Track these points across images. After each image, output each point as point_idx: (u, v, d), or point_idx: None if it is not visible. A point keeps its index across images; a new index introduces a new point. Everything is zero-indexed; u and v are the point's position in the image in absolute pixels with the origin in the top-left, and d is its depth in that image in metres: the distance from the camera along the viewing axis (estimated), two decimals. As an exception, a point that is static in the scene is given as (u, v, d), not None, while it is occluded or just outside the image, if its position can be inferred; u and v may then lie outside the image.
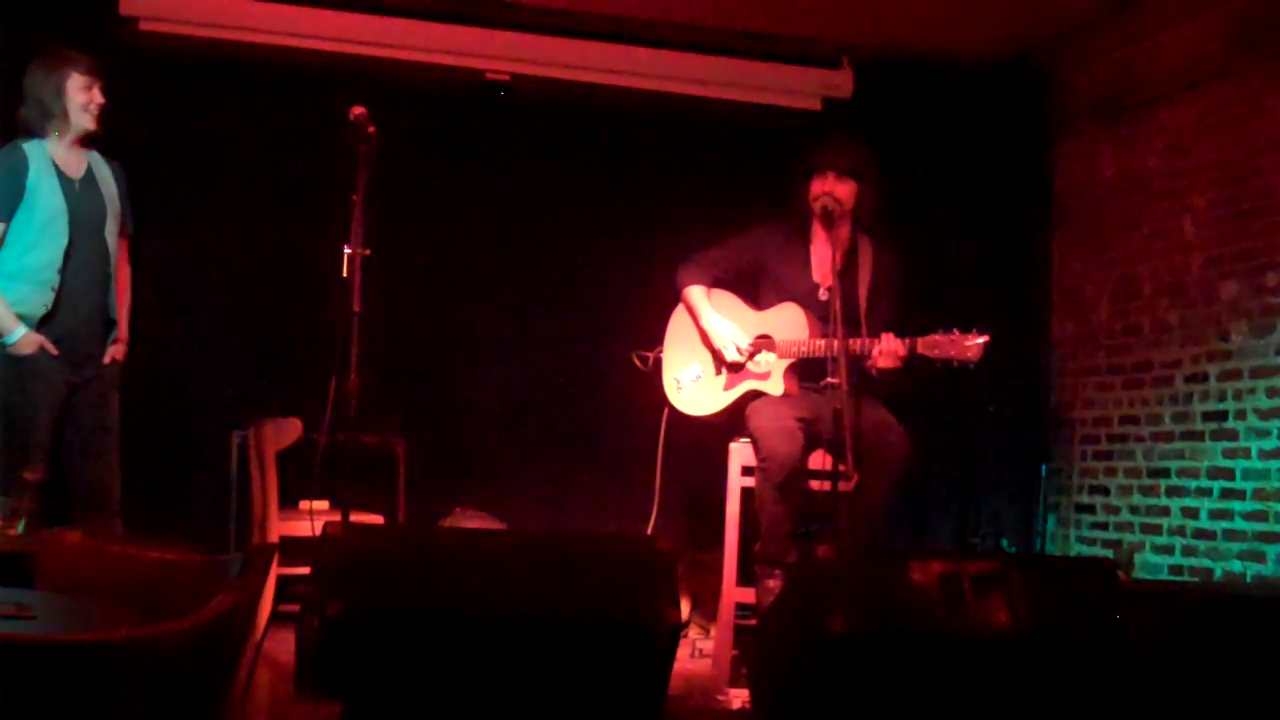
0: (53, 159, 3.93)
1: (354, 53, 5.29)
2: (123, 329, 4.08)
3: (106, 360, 4.02)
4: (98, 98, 3.96)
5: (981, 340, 3.80)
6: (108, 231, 4.02)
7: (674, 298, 4.32)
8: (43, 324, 3.86)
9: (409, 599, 2.62)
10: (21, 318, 3.83)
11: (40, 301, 3.86)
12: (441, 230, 5.48)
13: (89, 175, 4.01)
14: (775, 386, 4.08)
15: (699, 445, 4.37)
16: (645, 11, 5.61)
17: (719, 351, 4.15)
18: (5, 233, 3.85)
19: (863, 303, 4.03)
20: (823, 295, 4.08)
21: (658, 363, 4.32)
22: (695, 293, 4.23)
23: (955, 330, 3.83)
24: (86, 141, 4.02)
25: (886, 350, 3.88)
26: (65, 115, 3.92)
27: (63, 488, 3.97)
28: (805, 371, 4.09)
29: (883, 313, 4.06)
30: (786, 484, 3.86)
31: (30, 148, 3.91)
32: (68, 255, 3.88)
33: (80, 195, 3.96)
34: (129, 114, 5.12)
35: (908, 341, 3.88)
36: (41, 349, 3.83)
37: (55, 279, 3.87)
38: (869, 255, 4.16)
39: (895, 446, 3.88)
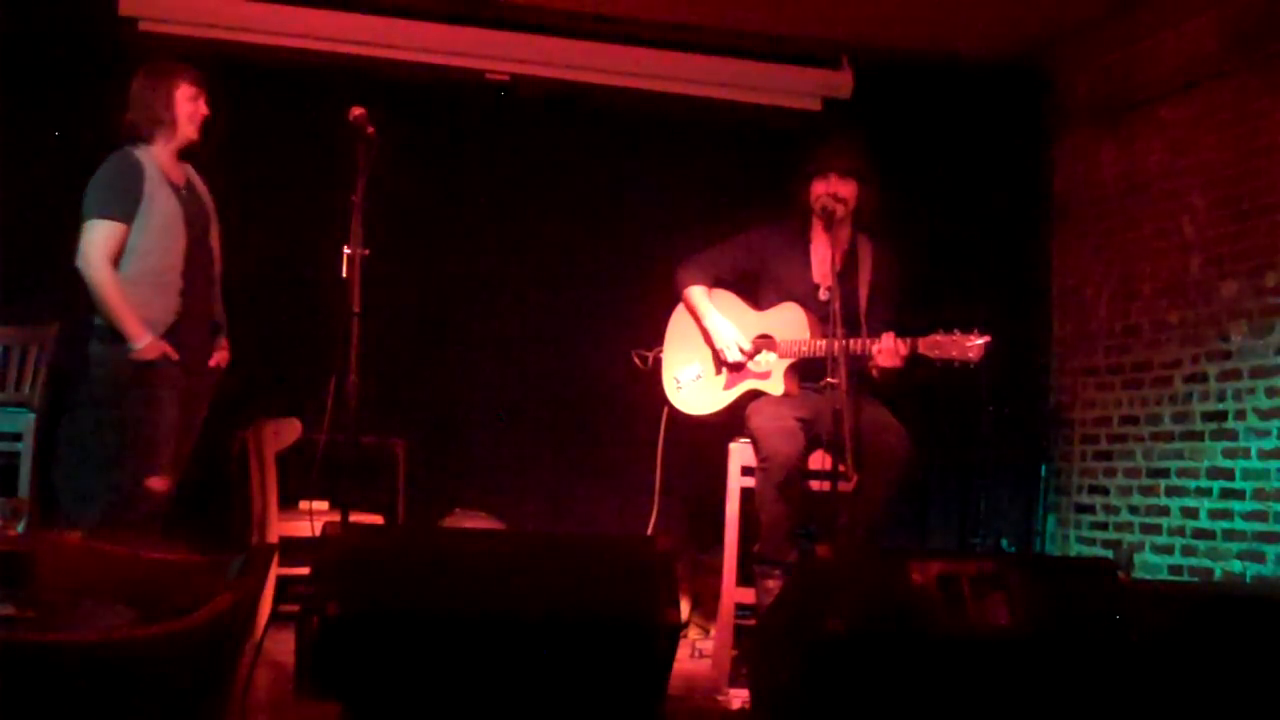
0: (160, 166, 3.93)
1: (354, 53, 5.29)
2: (223, 337, 4.09)
3: (211, 364, 4.02)
4: (203, 108, 3.98)
5: (982, 341, 3.80)
6: (213, 238, 4.04)
7: (674, 297, 4.32)
8: (169, 330, 3.84)
9: (409, 599, 2.62)
10: (148, 323, 3.79)
11: (168, 307, 3.84)
12: (441, 230, 5.48)
13: (189, 182, 4.02)
14: (775, 386, 4.08)
15: (699, 445, 4.37)
16: (645, 11, 5.61)
17: (721, 352, 4.15)
18: (127, 236, 3.81)
19: (863, 303, 4.04)
20: (823, 295, 4.08)
21: (657, 362, 4.32)
22: (696, 293, 4.23)
23: (956, 330, 3.83)
24: (184, 151, 4.02)
25: (887, 350, 3.88)
26: (173, 124, 3.93)
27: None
28: (805, 371, 4.09)
29: (882, 313, 4.06)
30: (786, 484, 3.86)
31: (140, 153, 3.90)
32: (186, 260, 3.88)
33: (188, 200, 3.96)
34: (128, 114, 5.17)
35: (909, 341, 3.88)
36: (164, 355, 3.80)
37: (180, 283, 3.86)
38: (869, 255, 4.16)
39: (895, 447, 3.88)
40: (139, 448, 3.77)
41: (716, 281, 4.25)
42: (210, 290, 4.02)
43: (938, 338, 3.84)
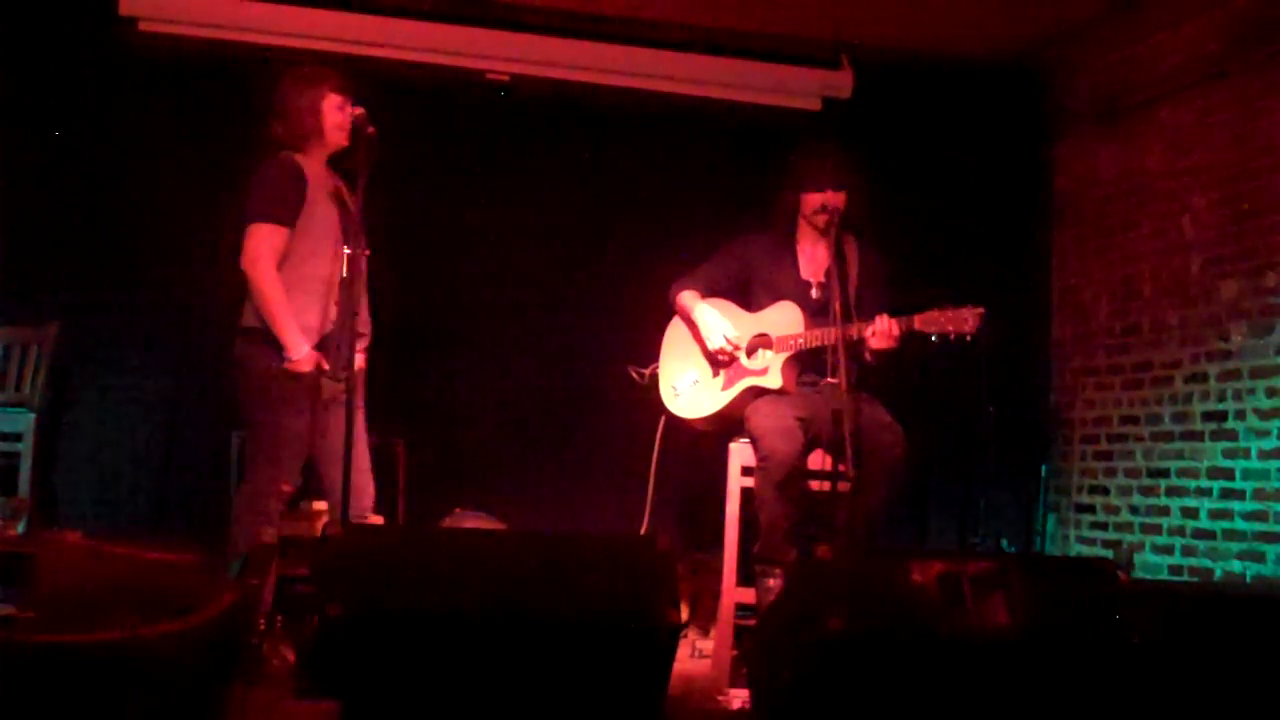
0: (315, 172, 3.91)
1: (354, 53, 5.29)
2: (367, 333, 4.03)
3: (357, 368, 3.94)
4: (350, 115, 3.91)
5: (977, 312, 3.84)
6: (362, 243, 3.98)
7: (669, 311, 4.36)
8: (323, 340, 3.80)
9: (409, 599, 2.62)
10: (303, 330, 3.76)
11: (322, 314, 3.80)
12: (441, 230, 5.48)
13: (337, 190, 3.97)
14: (774, 381, 4.10)
15: (699, 445, 4.37)
16: (645, 11, 5.61)
17: (706, 341, 4.16)
18: (288, 240, 3.79)
19: (853, 295, 4.08)
20: (814, 293, 4.16)
21: (654, 377, 4.34)
22: (688, 296, 4.29)
23: (950, 306, 3.86)
24: (331, 159, 3.99)
25: (881, 331, 3.93)
26: (321, 132, 3.89)
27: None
28: (803, 365, 4.11)
29: (873, 300, 4.10)
30: (786, 483, 3.87)
31: (301, 159, 3.87)
32: (340, 267, 3.82)
33: (341, 207, 3.92)
34: (128, 114, 5.17)
35: (904, 320, 3.91)
36: (316, 366, 3.76)
37: (335, 292, 3.82)
38: (854, 253, 4.23)
39: (892, 447, 3.90)
40: (275, 454, 3.76)
41: (709, 292, 4.30)
42: (360, 296, 3.93)
43: (933, 314, 3.89)
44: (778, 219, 4.27)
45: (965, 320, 3.84)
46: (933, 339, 3.90)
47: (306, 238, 3.79)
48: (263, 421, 3.81)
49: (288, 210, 3.78)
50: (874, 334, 3.92)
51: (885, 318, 3.92)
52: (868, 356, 4.01)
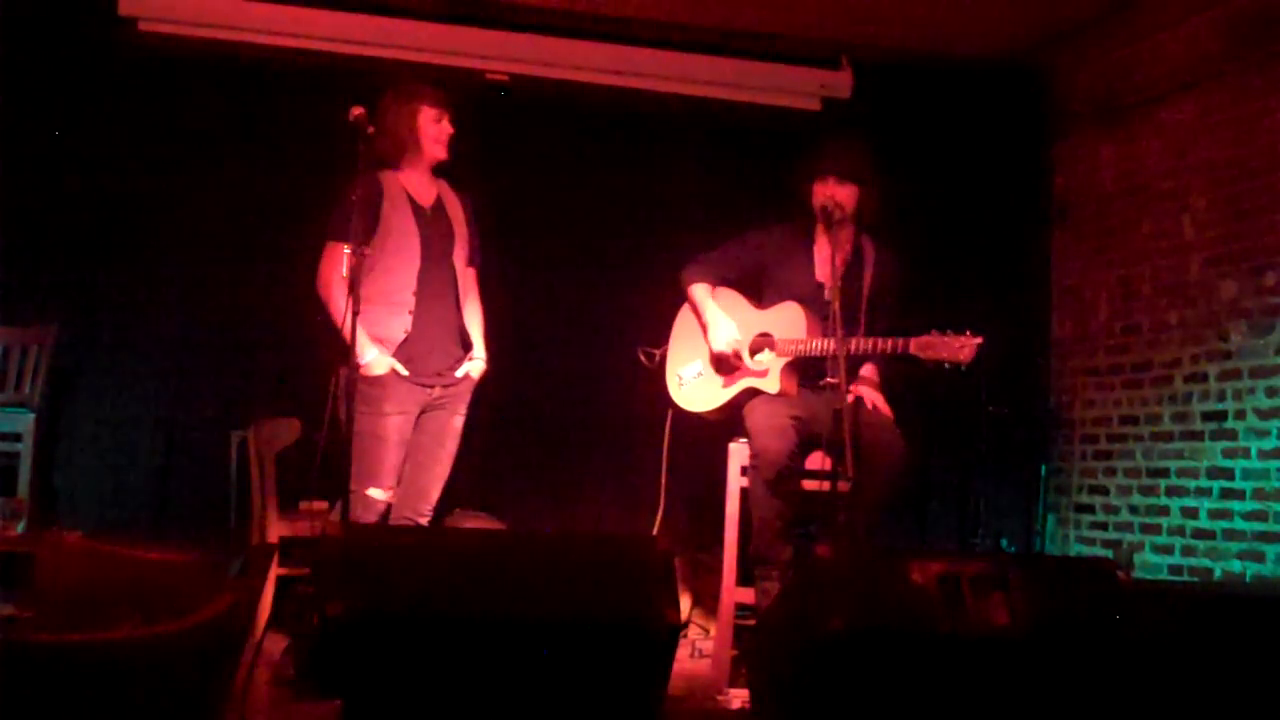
0: (405, 188, 4.01)
1: (354, 53, 5.29)
2: (480, 348, 4.14)
3: (460, 375, 4.06)
4: (447, 128, 4.05)
5: (974, 342, 3.79)
6: (456, 257, 4.08)
7: (679, 296, 4.34)
8: (400, 347, 3.91)
9: (409, 599, 2.62)
10: (380, 341, 3.88)
11: (399, 325, 3.92)
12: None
13: (438, 203, 4.09)
14: (772, 384, 4.09)
15: (699, 445, 4.37)
16: (645, 12, 5.61)
17: (711, 344, 4.17)
18: (364, 257, 3.85)
19: (864, 305, 4.05)
20: (827, 294, 4.08)
21: (663, 359, 4.34)
22: (699, 290, 4.26)
23: (949, 331, 3.82)
24: (437, 170, 4.10)
25: (865, 395, 4.04)
26: (418, 146, 4.01)
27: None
28: (804, 371, 4.10)
29: (882, 319, 4.07)
30: (777, 481, 3.86)
31: (385, 177, 3.98)
32: (420, 280, 3.95)
33: (431, 221, 4.03)
34: (128, 114, 5.17)
35: (900, 343, 3.88)
36: (393, 371, 3.87)
37: (411, 302, 3.94)
38: (871, 257, 4.18)
39: (891, 449, 3.90)
40: (364, 459, 3.80)
41: (721, 280, 4.27)
42: (451, 307, 4.07)
43: (929, 338, 3.84)
44: (797, 214, 4.22)
45: (962, 349, 3.79)
46: (928, 366, 3.86)
47: (382, 253, 3.90)
48: (353, 428, 3.84)
49: (356, 230, 3.82)
50: (859, 392, 4.02)
51: (875, 391, 4.06)
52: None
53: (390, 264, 3.93)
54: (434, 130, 4.03)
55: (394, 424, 3.90)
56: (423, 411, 4.00)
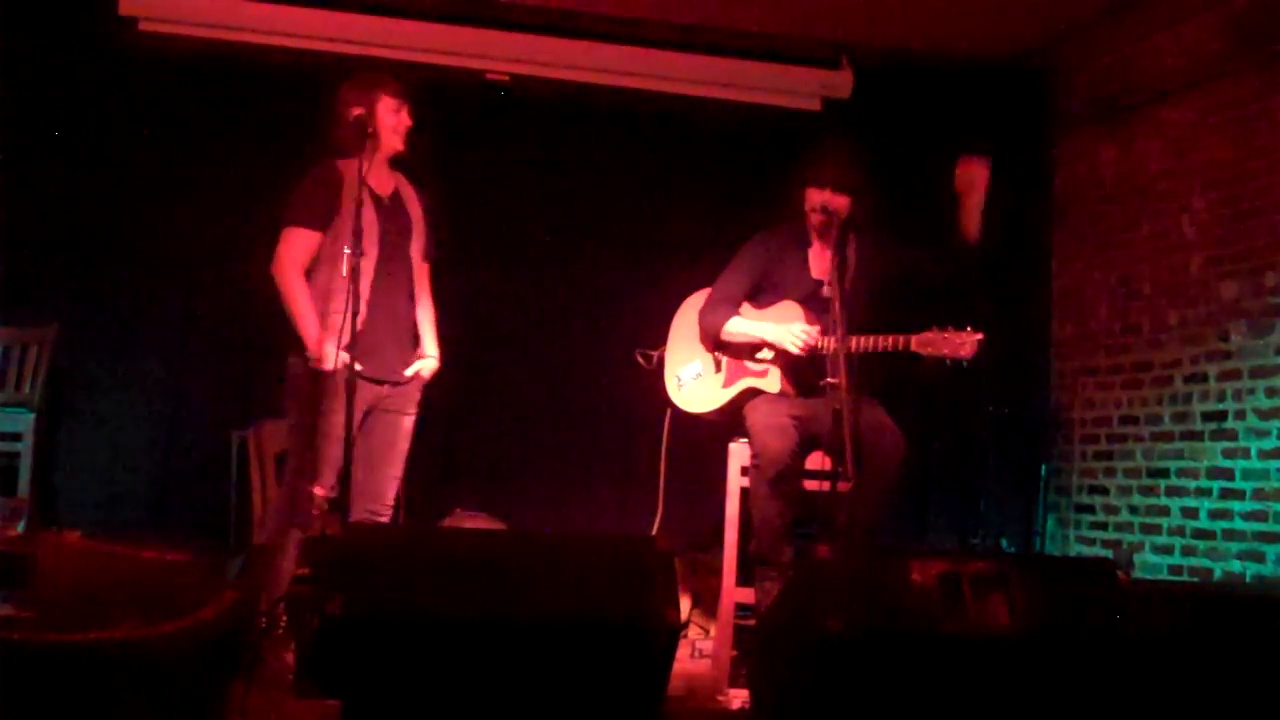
0: (364, 177, 3.87)
1: (354, 53, 5.29)
2: (432, 345, 4.05)
3: (409, 374, 3.96)
4: (406, 120, 3.95)
5: (975, 338, 3.81)
6: (412, 251, 4.01)
7: (676, 298, 4.35)
8: (352, 340, 3.76)
9: (409, 599, 2.62)
10: (334, 332, 3.74)
11: (358, 318, 3.76)
12: (441, 231, 5.47)
13: (396, 195, 4.00)
14: (772, 384, 4.09)
15: (698, 445, 4.37)
16: (645, 11, 5.61)
17: (783, 349, 4.03)
18: (319, 244, 3.82)
19: (863, 299, 4.06)
20: (825, 292, 4.09)
21: (660, 361, 4.34)
22: (733, 324, 4.15)
23: (950, 328, 3.84)
24: (394, 163, 4.02)
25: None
26: (376, 136, 3.90)
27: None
28: (804, 371, 4.10)
29: (884, 307, 4.08)
30: (778, 481, 3.86)
31: (343, 165, 3.89)
32: (376, 272, 3.86)
33: (389, 213, 3.94)
34: (128, 113, 5.17)
35: (901, 340, 3.89)
36: (345, 366, 3.73)
37: (368, 294, 3.83)
38: (854, 251, 4.17)
39: (890, 449, 3.90)
40: (308, 454, 3.76)
41: (739, 304, 4.21)
42: (406, 301, 3.98)
43: (930, 335, 3.86)
44: (791, 216, 4.23)
45: (963, 345, 3.80)
46: (929, 362, 3.86)
47: (339, 242, 3.80)
48: (296, 422, 3.85)
49: (315, 216, 3.81)
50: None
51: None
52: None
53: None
54: (393, 121, 3.93)
55: (341, 421, 3.74)
56: (370, 410, 3.87)
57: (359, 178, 3.76)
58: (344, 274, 3.65)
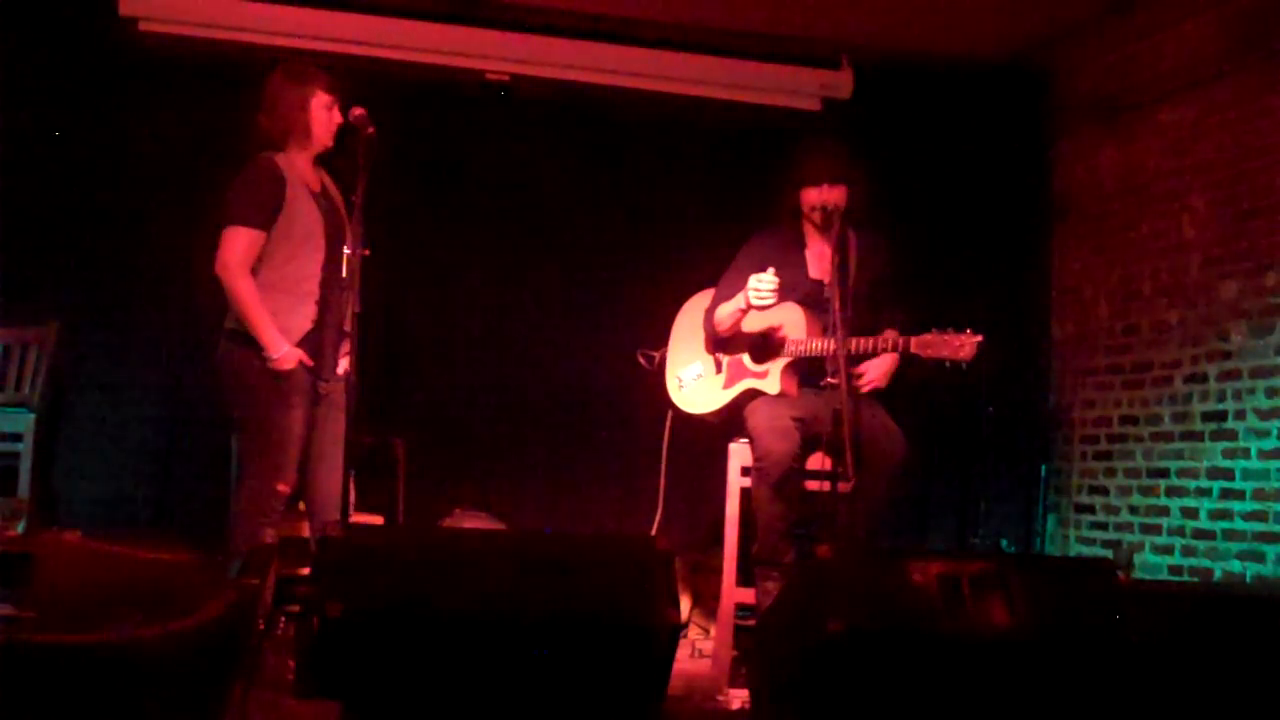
0: (298, 172, 3.86)
1: (354, 53, 5.29)
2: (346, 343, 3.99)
3: (341, 372, 3.92)
4: (337, 117, 3.88)
5: (975, 340, 3.80)
6: (347, 245, 3.91)
7: (676, 298, 4.37)
8: (305, 338, 3.79)
9: (409, 599, 2.62)
10: (285, 331, 3.75)
11: (304, 316, 3.80)
12: (441, 231, 5.48)
13: (325, 191, 3.95)
14: (773, 385, 4.09)
15: (699, 445, 4.38)
16: (645, 11, 5.61)
17: (749, 296, 3.99)
18: (264, 242, 3.77)
19: (864, 298, 4.06)
20: (826, 293, 4.08)
21: (662, 361, 4.34)
22: (721, 309, 4.17)
23: (950, 330, 3.83)
24: (319, 158, 3.96)
25: (873, 380, 4.01)
26: (308, 131, 3.86)
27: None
28: (804, 371, 4.10)
29: (887, 309, 4.08)
30: (782, 483, 3.87)
31: (281, 159, 3.85)
32: (324, 269, 3.82)
33: (327, 210, 3.89)
34: (128, 114, 5.17)
35: (901, 341, 3.88)
36: (300, 363, 3.76)
37: (316, 292, 3.81)
38: (854, 248, 4.18)
39: (891, 450, 3.90)
40: (270, 452, 3.75)
41: None
42: (343, 298, 3.88)
43: (930, 337, 3.85)
44: (785, 217, 4.24)
45: (963, 347, 3.79)
46: (928, 363, 3.86)
47: (287, 239, 3.78)
48: (254, 420, 3.80)
49: (262, 214, 3.76)
50: (868, 381, 4.01)
51: (890, 352, 3.94)
52: (861, 388, 4.02)
53: (294, 251, 3.79)
54: (324, 117, 3.86)
55: (299, 419, 3.78)
56: (316, 408, 3.86)
57: (300, 175, 3.76)
58: (344, 274, 3.65)
